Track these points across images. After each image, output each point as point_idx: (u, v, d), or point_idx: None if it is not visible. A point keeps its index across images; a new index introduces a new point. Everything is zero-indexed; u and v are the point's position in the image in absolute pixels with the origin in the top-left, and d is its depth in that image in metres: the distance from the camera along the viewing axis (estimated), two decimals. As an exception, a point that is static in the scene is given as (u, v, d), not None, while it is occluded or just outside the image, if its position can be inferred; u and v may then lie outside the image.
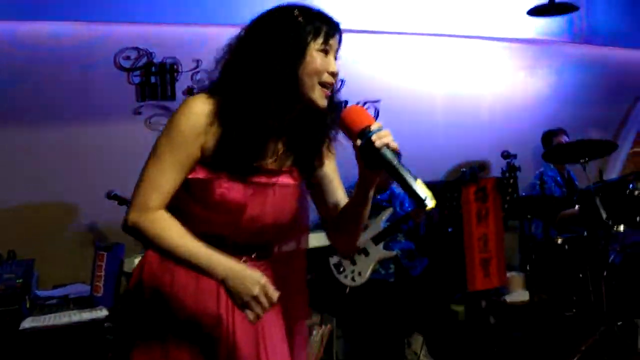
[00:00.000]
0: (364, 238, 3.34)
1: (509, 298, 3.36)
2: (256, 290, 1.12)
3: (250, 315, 1.13)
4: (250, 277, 1.14)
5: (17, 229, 3.06)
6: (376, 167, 1.18)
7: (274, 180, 1.27)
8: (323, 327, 3.58)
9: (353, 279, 3.28)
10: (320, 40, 1.20)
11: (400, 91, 4.09)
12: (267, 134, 1.21)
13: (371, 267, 3.29)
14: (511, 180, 2.81)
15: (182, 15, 3.33)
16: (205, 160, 1.20)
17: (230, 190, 1.21)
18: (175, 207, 1.21)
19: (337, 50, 1.24)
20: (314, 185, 1.38)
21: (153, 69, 3.43)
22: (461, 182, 2.84)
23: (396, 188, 3.58)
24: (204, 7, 3.34)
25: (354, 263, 3.31)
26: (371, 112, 4.04)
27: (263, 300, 1.13)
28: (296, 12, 1.21)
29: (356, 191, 1.28)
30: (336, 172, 1.39)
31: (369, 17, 3.89)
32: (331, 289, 3.37)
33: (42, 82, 3.14)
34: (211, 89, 1.23)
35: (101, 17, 3.14)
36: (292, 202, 1.32)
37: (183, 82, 3.53)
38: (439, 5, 3.98)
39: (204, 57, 3.61)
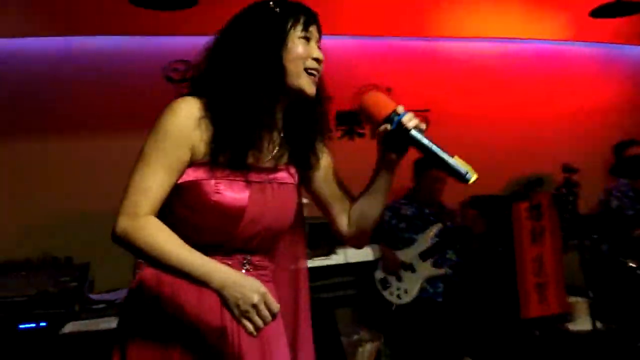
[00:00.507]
0: (411, 254, 3.21)
1: (571, 326, 3.10)
2: (256, 299, 1.04)
3: (249, 326, 1.05)
4: (250, 285, 1.06)
5: (75, 235, 3.18)
6: (404, 150, 1.19)
7: (271, 177, 1.23)
8: (370, 343, 3.47)
9: (399, 297, 3.16)
10: (299, 27, 1.19)
11: (451, 100, 3.93)
12: (259, 129, 1.17)
13: (418, 285, 3.16)
14: (570, 197, 2.58)
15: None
16: (196, 162, 1.15)
17: (227, 190, 1.15)
18: (166, 217, 1.15)
19: (318, 40, 1.23)
20: (313, 187, 1.34)
21: (200, 81, 3.49)
22: (512, 197, 2.65)
23: (446, 203, 3.42)
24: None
25: (399, 280, 3.19)
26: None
27: (263, 309, 1.05)
28: (271, 4, 1.20)
29: (377, 178, 1.26)
30: (333, 169, 1.34)
31: (419, 23, 3.78)
32: (377, 305, 3.26)
33: (95, 94, 3.28)
34: (195, 91, 1.19)
35: (150, 30, 3.24)
36: (292, 203, 1.28)
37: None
38: (494, 9, 3.80)
39: None
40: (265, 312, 1.05)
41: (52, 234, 3.16)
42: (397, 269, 3.19)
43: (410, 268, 3.20)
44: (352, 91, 3.85)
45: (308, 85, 1.20)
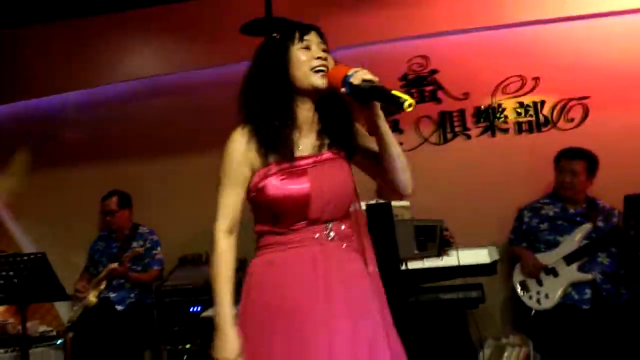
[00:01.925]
0: (554, 257, 3.05)
1: None
2: (217, 357, 1.37)
3: None
4: (225, 345, 1.36)
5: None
6: (367, 101, 1.34)
7: (318, 159, 1.44)
8: (518, 348, 3.39)
9: (538, 301, 3.04)
10: (296, 40, 1.43)
11: (613, 85, 3.55)
12: (290, 127, 1.42)
13: (561, 290, 2.99)
14: None
15: (355, 35, 3.63)
16: (255, 171, 1.43)
17: (288, 183, 1.40)
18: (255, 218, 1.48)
19: (322, 43, 1.45)
20: (359, 160, 1.52)
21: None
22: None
23: (599, 201, 3.15)
24: (371, 26, 3.58)
25: (540, 284, 3.06)
26: (578, 110, 3.63)
27: None
28: (275, 34, 1.47)
29: (371, 132, 1.43)
30: (369, 137, 1.49)
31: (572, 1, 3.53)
32: (518, 309, 3.18)
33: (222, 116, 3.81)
34: (241, 119, 1.48)
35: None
36: (344, 172, 1.47)
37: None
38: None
39: (378, 72, 3.71)
40: None
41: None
42: (537, 272, 3.06)
43: (553, 272, 3.03)
44: (491, 86, 3.83)
45: (318, 80, 1.39)
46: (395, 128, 3.84)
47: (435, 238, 2.41)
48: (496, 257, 2.78)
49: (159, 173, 4.15)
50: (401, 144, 3.75)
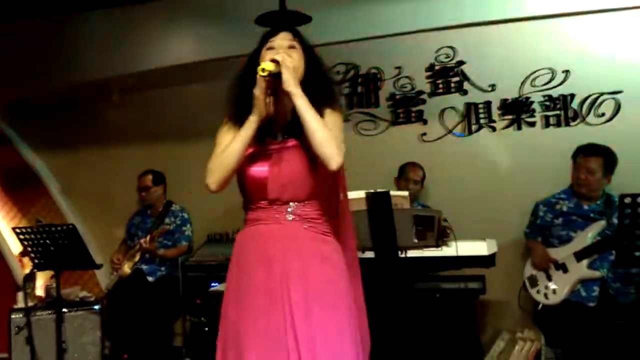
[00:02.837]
0: (565, 253, 3.11)
1: None
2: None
3: None
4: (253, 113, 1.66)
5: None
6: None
7: (283, 145, 1.68)
8: (530, 343, 3.47)
9: (546, 296, 3.11)
10: (265, 43, 1.72)
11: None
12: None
13: (569, 287, 3.05)
14: None
15: (383, 26, 3.73)
16: None
17: (252, 165, 1.66)
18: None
19: (289, 41, 1.70)
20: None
21: (359, 80, 3.97)
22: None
23: (614, 195, 3.15)
24: (398, 16, 3.66)
25: (549, 279, 3.13)
26: (610, 105, 3.59)
27: None
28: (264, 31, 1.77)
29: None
30: (330, 124, 1.65)
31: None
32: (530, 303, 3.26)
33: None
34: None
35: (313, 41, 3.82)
36: (302, 158, 1.65)
37: (386, 90, 3.96)
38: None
39: (405, 63, 3.95)
40: None
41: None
42: (546, 267, 3.13)
43: (562, 267, 3.09)
44: (519, 78, 3.83)
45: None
46: (419, 118, 3.96)
47: (433, 228, 2.54)
48: (495, 249, 2.87)
49: (195, 154, 4.41)
50: (424, 134, 3.95)
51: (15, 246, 4.20)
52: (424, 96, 3.96)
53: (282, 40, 1.70)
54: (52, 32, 4.25)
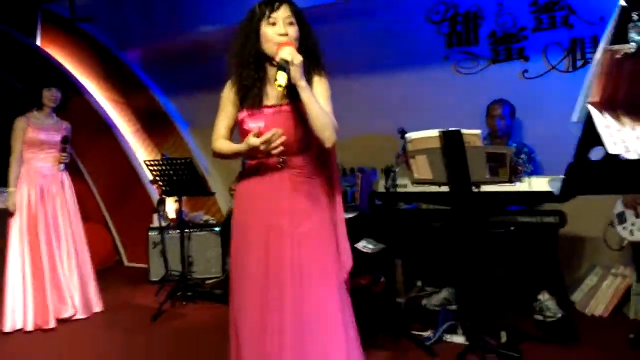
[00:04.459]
0: (658, 193, 3.12)
1: None
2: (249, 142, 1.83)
3: None
4: (247, 140, 1.82)
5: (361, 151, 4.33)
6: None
7: (278, 109, 1.92)
8: (621, 279, 3.57)
9: (632, 233, 3.17)
10: (265, 18, 1.88)
11: None
12: (260, 83, 1.93)
13: (657, 225, 3.08)
14: None
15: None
16: (239, 109, 1.98)
17: (250, 122, 1.92)
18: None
19: (289, 17, 1.87)
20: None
21: (459, 18, 4.07)
22: None
23: None
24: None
25: (637, 216, 3.17)
26: None
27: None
28: (256, 6, 1.92)
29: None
30: (319, 95, 1.89)
31: None
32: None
33: (371, 39, 4.30)
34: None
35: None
36: (295, 120, 1.90)
37: (486, 27, 4.02)
38: None
39: None
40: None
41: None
42: (636, 204, 3.17)
43: (653, 207, 3.12)
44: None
45: (278, 55, 1.84)
46: (521, 55, 4.01)
47: (505, 165, 2.73)
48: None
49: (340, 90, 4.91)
50: (526, 71, 4.01)
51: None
52: (527, 32, 3.97)
53: (286, 15, 1.88)
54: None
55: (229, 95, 2.01)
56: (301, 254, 1.89)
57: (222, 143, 2.02)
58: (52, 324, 3.59)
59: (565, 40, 3.87)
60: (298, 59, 1.80)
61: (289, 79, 1.79)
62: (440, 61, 4.20)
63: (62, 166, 3.87)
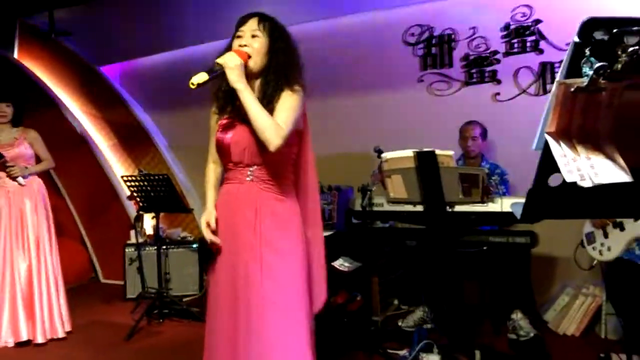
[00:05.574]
0: (625, 212, 3.25)
1: None
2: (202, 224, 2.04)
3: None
4: (206, 213, 2.03)
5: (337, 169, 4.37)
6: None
7: (244, 116, 1.89)
8: (591, 298, 3.70)
9: (601, 253, 3.29)
10: (235, 33, 1.98)
11: None
12: (231, 95, 1.96)
13: (624, 245, 3.19)
14: None
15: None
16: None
17: (220, 133, 1.99)
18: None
19: (255, 29, 1.95)
20: None
21: (434, 41, 4.22)
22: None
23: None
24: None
25: (605, 236, 3.30)
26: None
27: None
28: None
29: None
30: (280, 105, 1.93)
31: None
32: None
33: (348, 60, 4.42)
34: None
35: (389, 4, 4.12)
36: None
37: (460, 50, 4.17)
38: None
39: (480, 23, 4.12)
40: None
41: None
42: (604, 224, 3.30)
43: (620, 226, 3.23)
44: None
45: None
46: (493, 78, 4.16)
47: (478, 185, 2.84)
48: (539, 207, 3.09)
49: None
50: (498, 94, 4.16)
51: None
52: (499, 56, 4.13)
53: (253, 28, 1.95)
54: (156, 6, 4.93)
55: (213, 115, 2.11)
56: (266, 286, 1.91)
57: (208, 177, 2.15)
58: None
59: (535, 64, 4.04)
60: (233, 62, 1.86)
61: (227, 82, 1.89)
62: (415, 82, 4.33)
63: (21, 179, 3.71)
